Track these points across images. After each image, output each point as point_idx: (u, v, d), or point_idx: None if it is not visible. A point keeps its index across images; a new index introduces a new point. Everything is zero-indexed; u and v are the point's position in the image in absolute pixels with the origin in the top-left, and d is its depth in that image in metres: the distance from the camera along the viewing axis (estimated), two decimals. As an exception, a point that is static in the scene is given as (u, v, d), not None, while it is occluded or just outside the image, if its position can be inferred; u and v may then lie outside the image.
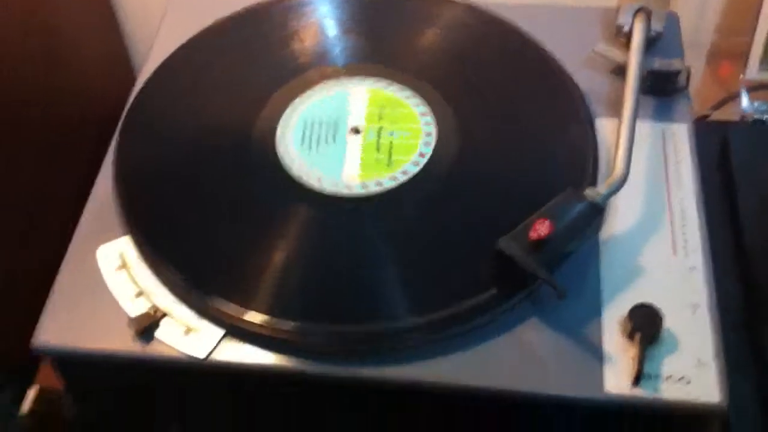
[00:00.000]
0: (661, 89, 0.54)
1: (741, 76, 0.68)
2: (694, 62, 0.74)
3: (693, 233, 0.48)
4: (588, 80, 0.55)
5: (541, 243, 0.43)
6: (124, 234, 0.49)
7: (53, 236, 0.50)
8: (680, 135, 0.53)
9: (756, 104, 0.67)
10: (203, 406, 0.48)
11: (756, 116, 0.67)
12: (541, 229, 0.43)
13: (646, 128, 0.53)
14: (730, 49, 0.75)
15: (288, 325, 0.44)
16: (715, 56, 0.76)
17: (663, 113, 0.54)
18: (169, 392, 0.48)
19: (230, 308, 0.44)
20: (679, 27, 0.59)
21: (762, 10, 0.65)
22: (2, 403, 0.61)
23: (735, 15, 0.73)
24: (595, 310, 0.45)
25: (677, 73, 0.54)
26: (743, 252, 0.58)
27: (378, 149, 0.51)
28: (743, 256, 0.58)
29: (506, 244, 0.43)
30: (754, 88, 0.68)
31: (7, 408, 0.62)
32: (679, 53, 0.57)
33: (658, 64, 0.53)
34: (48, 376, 0.54)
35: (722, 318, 0.45)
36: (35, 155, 0.56)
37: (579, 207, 0.45)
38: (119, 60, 0.69)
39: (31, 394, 0.54)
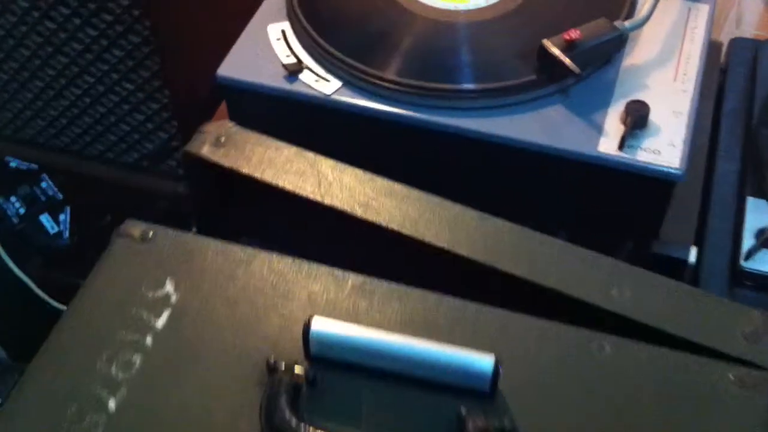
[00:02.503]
0: (697, -21, 0.72)
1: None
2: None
3: (692, 70, 0.66)
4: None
5: (571, 45, 0.61)
6: (286, 20, 0.70)
7: (241, 21, 0.72)
8: (702, 11, 0.70)
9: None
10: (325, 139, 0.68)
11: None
12: (573, 34, 0.61)
13: (678, 3, 0.70)
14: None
15: (387, 80, 0.64)
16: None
17: (694, -5, 0.71)
18: (305, 126, 0.68)
19: (347, 65, 0.65)
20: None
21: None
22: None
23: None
24: (605, 104, 0.63)
25: (709, -34, 0.71)
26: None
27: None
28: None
29: (547, 42, 0.62)
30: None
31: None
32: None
33: (696, -42, 0.71)
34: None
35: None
36: None
37: (606, 29, 0.63)
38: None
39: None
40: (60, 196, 0.86)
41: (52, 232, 0.85)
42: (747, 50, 0.81)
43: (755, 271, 0.64)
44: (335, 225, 0.55)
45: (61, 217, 0.86)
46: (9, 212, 0.88)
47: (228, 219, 0.61)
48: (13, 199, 0.88)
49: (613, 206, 0.63)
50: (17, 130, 0.86)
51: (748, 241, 0.65)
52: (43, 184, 0.87)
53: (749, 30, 0.90)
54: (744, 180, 0.70)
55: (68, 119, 0.85)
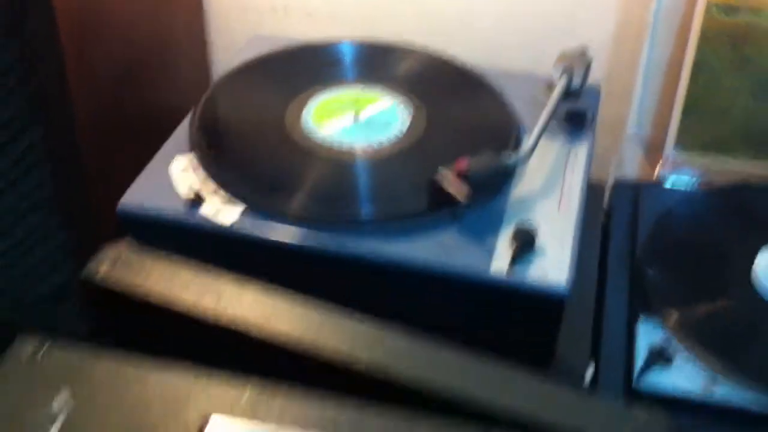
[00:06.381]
0: (575, 124, 0.78)
1: (662, 154, 0.92)
2: (637, 150, 0.98)
3: (573, 200, 0.70)
4: (529, 114, 0.79)
5: (460, 175, 0.65)
6: (190, 153, 0.73)
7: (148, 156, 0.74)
8: (580, 151, 0.76)
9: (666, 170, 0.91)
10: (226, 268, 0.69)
11: (665, 180, 0.90)
12: (462, 165, 0.66)
13: (559, 145, 0.76)
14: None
15: (284, 204, 0.67)
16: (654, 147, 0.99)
17: (573, 139, 0.77)
18: (206, 255, 0.68)
19: (248, 195, 0.67)
20: (599, 94, 0.84)
21: (672, 117, 0.90)
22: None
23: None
24: (495, 230, 0.67)
25: (584, 113, 0.77)
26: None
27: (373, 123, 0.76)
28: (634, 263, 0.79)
29: (438, 173, 0.66)
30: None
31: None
32: (594, 108, 0.81)
33: (571, 105, 0.78)
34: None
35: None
36: (148, 123, 0.84)
37: (492, 161, 0.68)
38: (204, 77, 0.98)
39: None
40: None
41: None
42: (628, 191, 0.87)
43: (648, 389, 0.66)
44: (234, 340, 0.55)
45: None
46: None
47: (126, 341, 0.61)
48: None
49: (507, 326, 0.65)
50: None
51: (640, 361, 0.68)
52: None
53: (631, 174, 0.97)
54: (633, 302, 0.74)
55: (-36, 262, 0.84)
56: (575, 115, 0.78)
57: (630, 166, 0.97)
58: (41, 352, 0.52)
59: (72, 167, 0.76)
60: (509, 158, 0.69)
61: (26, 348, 0.52)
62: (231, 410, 0.49)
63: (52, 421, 0.48)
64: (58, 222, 0.79)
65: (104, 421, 0.49)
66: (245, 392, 0.50)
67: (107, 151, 0.79)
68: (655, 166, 0.93)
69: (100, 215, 0.73)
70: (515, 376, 0.52)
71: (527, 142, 0.71)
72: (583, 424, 0.50)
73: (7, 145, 0.75)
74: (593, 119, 0.79)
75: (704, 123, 0.89)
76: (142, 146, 0.76)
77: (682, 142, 0.91)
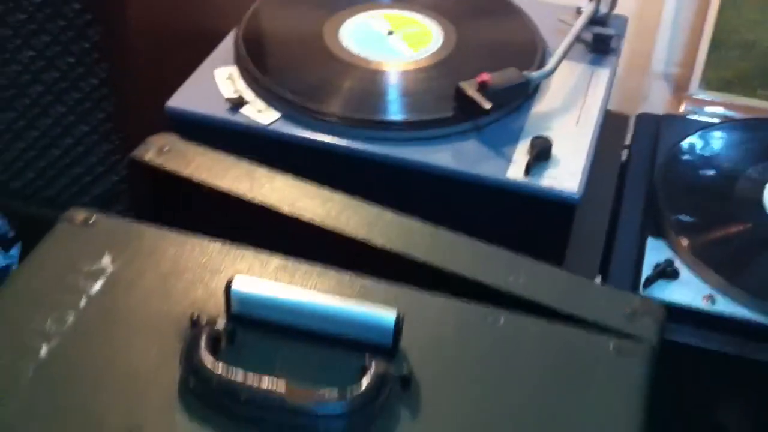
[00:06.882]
0: (600, 48, 0.81)
1: (685, 93, 0.95)
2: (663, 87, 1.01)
3: (591, 118, 0.74)
4: (555, 37, 0.83)
5: (483, 86, 0.69)
6: (233, 65, 0.78)
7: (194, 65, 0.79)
8: (602, 74, 0.80)
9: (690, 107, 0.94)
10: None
11: (688, 115, 0.93)
12: (485, 77, 0.70)
13: (583, 66, 0.80)
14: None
15: (319, 109, 0.72)
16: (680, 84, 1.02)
17: (596, 62, 0.81)
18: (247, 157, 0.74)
19: (285, 96, 0.72)
20: (626, 23, 0.87)
21: (699, 53, 0.93)
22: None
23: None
24: (514, 141, 0.71)
25: (609, 37, 0.81)
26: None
27: (406, 40, 0.81)
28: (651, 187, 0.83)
29: (463, 83, 0.70)
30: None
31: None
32: (620, 34, 0.84)
33: (597, 30, 0.81)
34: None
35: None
36: (197, 33, 0.89)
37: (514, 76, 0.72)
38: None
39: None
40: (12, 233, 0.90)
41: (1, 265, 0.89)
42: (651, 123, 0.91)
43: (653, 299, 0.70)
44: (264, 220, 0.60)
45: (12, 251, 0.90)
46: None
47: (166, 222, 0.66)
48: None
49: (520, 230, 0.69)
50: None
51: (647, 274, 0.72)
52: (-6, 222, 0.91)
53: (657, 109, 1.00)
54: (645, 224, 0.78)
55: (24, 162, 0.90)
56: (601, 39, 0.81)
57: (656, 104, 1.00)
58: (91, 220, 0.58)
59: (126, 71, 0.81)
60: (530, 75, 0.72)
61: (78, 215, 0.58)
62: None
63: (96, 279, 0.54)
64: (111, 126, 0.85)
65: (142, 282, 0.54)
66: (271, 264, 0.56)
67: (158, 59, 0.84)
68: (680, 105, 0.96)
69: (150, 120, 0.78)
70: (522, 261, 0.56)
71: (550, 62, 0.75)
72: (583, 305, 0.54)
73: (69, 44, 0.80)
74: (619, 43, 0.82)
75: (729, 59, 0.92)
76: (191, 57, 0.82)
77: (706, 81, 0.93)
